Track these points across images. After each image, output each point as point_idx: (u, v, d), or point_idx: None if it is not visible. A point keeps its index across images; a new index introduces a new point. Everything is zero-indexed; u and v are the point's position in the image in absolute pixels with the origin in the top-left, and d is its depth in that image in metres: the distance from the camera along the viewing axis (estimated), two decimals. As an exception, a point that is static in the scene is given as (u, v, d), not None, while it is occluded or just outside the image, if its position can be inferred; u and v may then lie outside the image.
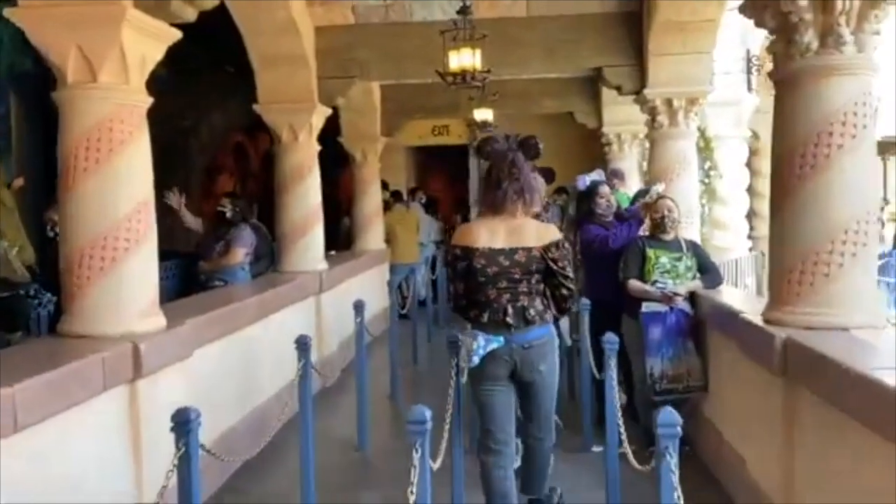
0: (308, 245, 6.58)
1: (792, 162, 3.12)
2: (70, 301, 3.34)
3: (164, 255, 7.40)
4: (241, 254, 6.13)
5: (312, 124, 6.56)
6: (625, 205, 6.20)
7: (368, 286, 8.56)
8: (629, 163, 9.54)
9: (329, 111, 6.82)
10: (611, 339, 3.78)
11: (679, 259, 4.57)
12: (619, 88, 6.61)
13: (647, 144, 10.20)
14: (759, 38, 10.33)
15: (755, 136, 11.33)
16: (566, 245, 3.35)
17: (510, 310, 3.17)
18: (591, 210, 5.02)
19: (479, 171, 11.53)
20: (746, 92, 10.12)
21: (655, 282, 4.49)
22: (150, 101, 3.59)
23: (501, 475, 3.26)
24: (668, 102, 6.27)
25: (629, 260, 4.58)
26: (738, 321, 3.66)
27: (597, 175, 5.19)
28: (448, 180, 13.53)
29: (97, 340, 3.18)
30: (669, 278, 4.50)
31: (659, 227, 4.63)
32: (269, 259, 6.84)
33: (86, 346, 3.07)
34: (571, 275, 3.28)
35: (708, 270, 4.65)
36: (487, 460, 3.27)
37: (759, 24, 3.38)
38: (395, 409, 5.98)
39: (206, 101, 11.49)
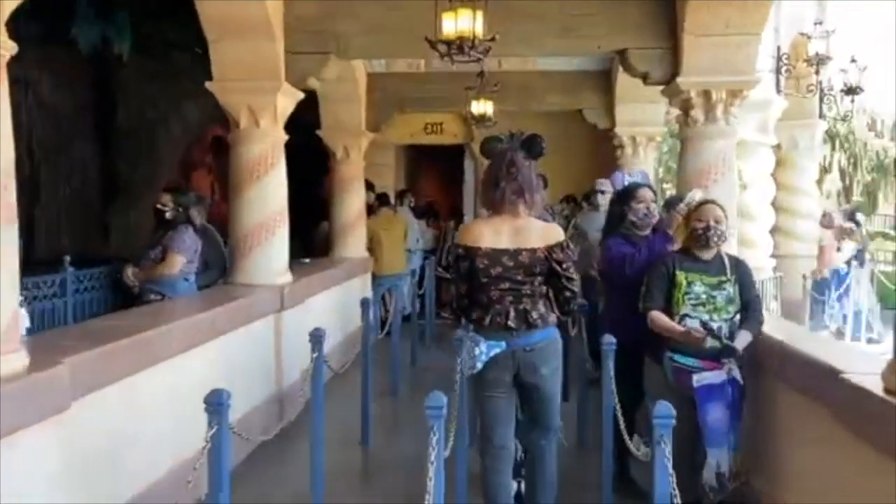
0: (268, 253, 5.47)
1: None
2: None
3: (87, 261, 6.39)
4: (179, 261, 5.04)
5: (278, 108, 5.46)
6: None
7: (346, 301, 7.46)
8: (644, 169, 8.46)
9: (299, 94, 5.72)
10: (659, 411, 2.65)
11: (719, 287, 3.41)
12: (645, 77, 5.53)
13: (665, 149, 9.22)
14: (791, 33, 9.32)
15: (776, 145, 10.32)
16: (570, 245, 3.32)
17: (512, 312, 3.13)
18: (622, 218, 3.92)
19: (475, 175, 10.45)
20: (776, 94, 9.07)
21: (685, 317, 3.37)
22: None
23: (498, 480, 3.28)
24: (706, 94, 5.19)
25: (652, 284, 3.48)
26: (839, 385, 2.59)
27: (640, 175, 4.12)
28: (441, 184, 12.42)
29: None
30: (704, 312, 3.37)
31: (698, 240, 3.45)
32: (220, 268, 5.74)
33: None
34: (575, 277, 3.26)
35: (749, 305, 3.47)
36: (486, 463, 3.29)
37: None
38: (364, 457, 4.89)
39: (178, 88, 10.40)
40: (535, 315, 3.14)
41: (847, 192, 18.42)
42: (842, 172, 18.54)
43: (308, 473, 3.87)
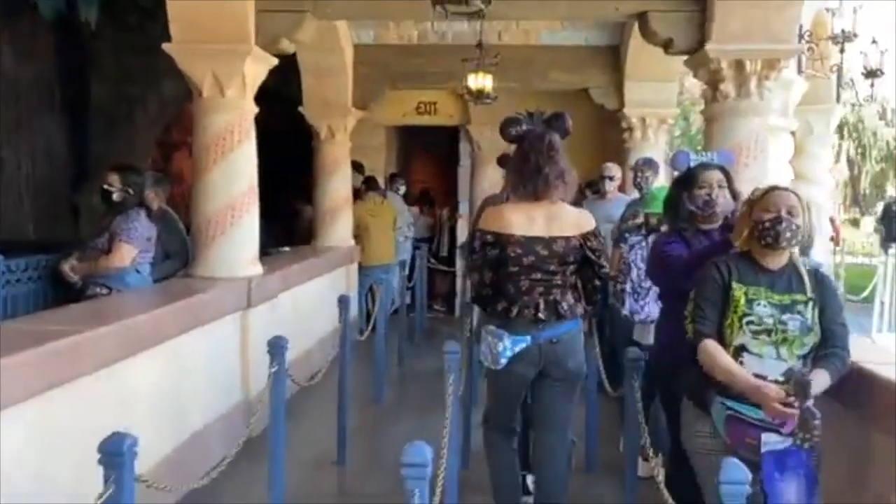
0: (234, 241, 4.78)
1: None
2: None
3: (53, 247, 5.65)
4: (129, 252, 4.33)
5: (247, 75, 4.76)
6: (657, 206, 4.49)
7: (328, 295, 6.77)
8: (654, 154, 7.74)
9: (272, 60, 5.02)
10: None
11: (792, 308, 2.42)
12: (667, 44, 4.85)
13: (677, 132, 8.55)
14: (812, 9, 8.62)
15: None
16: (601, 233, 3.20)
17: (542, 304, 2.99)
18: (679, 208, 3.01)
19: (471, 159, 9.74)
20: (797, 74, 8.39)
21: (741, 351, 2.41)
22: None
23: (509, 458, 3.23)
24: (738, 65, 4.53)
25: (702, 298, 2.48)
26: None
27: (716, 156, 3.09)
28: (435, 168, 11.71)
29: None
30: (768, 344, 2.39)
31: (764, 239, 2.44)
32: (182, 258, 5.05)
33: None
34: (606, 265, 3.15)
35: (831, 336, 2.44)
36: (493, 437, 3.21)
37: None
38: (338, 479, 4.23)
39: (155, 63, 9.67)
40: (565, 306, 3.01)
41: (854, 182, 17.79)
42: (850, 162, 17.91)
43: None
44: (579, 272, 3.07)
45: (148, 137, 10.49)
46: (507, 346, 2.97)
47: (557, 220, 3.00)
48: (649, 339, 4.00)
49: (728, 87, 4.58)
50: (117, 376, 3.22)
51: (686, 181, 3.01)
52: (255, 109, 4.95)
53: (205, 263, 4.75)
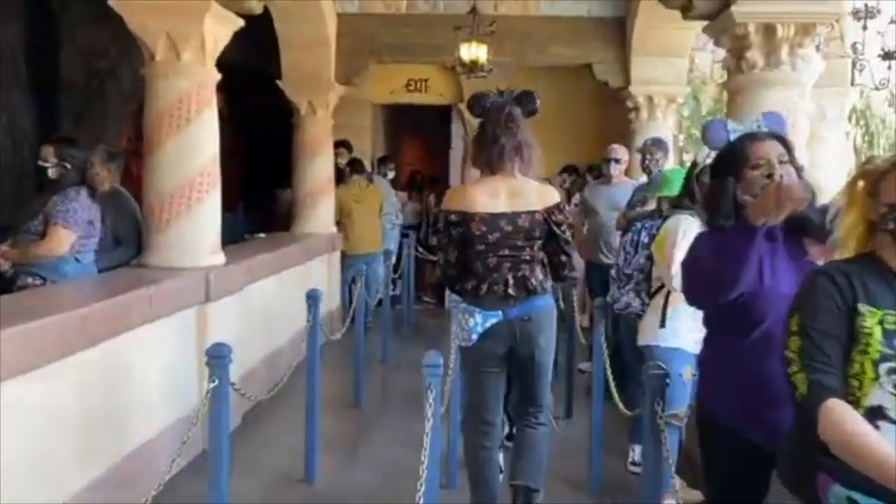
0: (191, 226, 4.20)
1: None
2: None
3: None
4: (66, 237, 3.75)
5: (206, 37, 4.17)
6: (671, 188, 3.94)
7: (306, 286, 6.21)
8: (661, 135, 7.19)
9: (237, 21, 4.43)
10: None
11: None
12: (686, 7, 4.27)
13: (686, 112, 7.98)
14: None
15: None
16: (566, 206, 3.34)
17: (511, 280, 2.97)
18: (720, 201, 1.97)
19: (464, 141, 9.14)
20: (815, 51, 7.79)
21: (879, 416, 1.49)
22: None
23: (486, 456, 3.11)
24: (768, 30, 3.95)
25: (816, 333, 1.53)
26: None
27: (764, 120, 2.08)
28: (425, 150, 11.12)
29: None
30: None
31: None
32: (135, 245, 4.46)
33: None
34: (570, 239, 3.10)
35: None
36: (474, 440, 3.12)
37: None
38: (310, 500, 3.67)
39: (129, 34, 9.05)
40: (534, 281, 2.99)
41: (861, 171, 17.22)
42: (856, 150, 17.34)
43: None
44: (545, 247, 3.03)
45: (122, 112, 9.87)
46: (479, 322, 2.97)
47: (520, 195, 2.97)
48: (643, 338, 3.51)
49: (755, 55, 4.00)
50: (44, 383, 2.67)
51: (730, 162, 2.02)
52: (217, 76, 4.37)
53: (156, 251, 4.17)
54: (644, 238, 3.93)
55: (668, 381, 2.42)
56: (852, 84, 10.10)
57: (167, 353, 3.77)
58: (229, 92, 10.15)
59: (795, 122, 4.04)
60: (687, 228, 3.18)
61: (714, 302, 1.97)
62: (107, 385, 3.25)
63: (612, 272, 4.11)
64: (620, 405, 3.23)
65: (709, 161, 2.94)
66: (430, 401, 2.22)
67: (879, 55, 9.30)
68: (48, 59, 9.36)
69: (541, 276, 3.03)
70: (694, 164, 3.10)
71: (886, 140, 17.98)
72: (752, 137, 2.03)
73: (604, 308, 3.94)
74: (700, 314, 2.12)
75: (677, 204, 3.35)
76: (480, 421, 3.10)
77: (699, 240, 2.03)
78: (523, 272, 2.98)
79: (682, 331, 3.24)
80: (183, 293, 3.93)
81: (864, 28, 7.57)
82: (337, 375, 5.27)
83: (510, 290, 2.96)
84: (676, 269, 3.07)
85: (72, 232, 3.76)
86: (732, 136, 2.04)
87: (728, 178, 1.96)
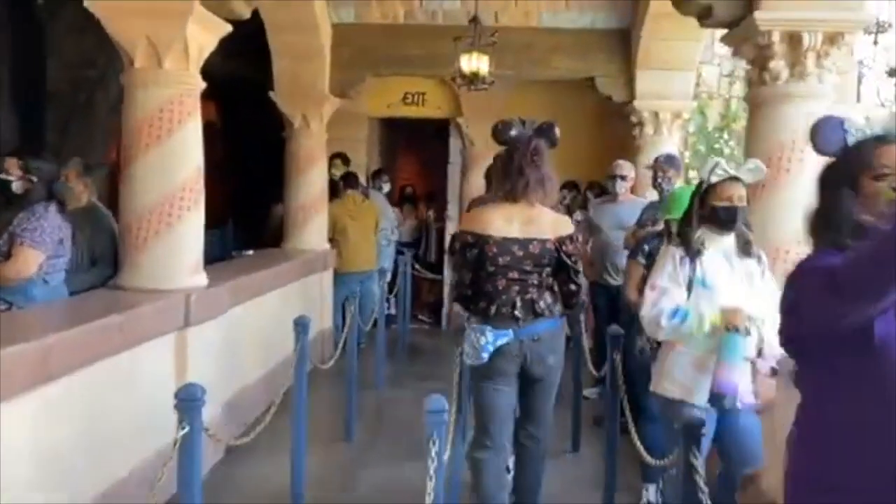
0: (171, 244, 3.89)
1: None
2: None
3: None
4: (34, 258, 3.46)
5: (189, 41, 3.88)
6: (681, 209, 3.66)
7: (296, 306, 5.90)
8: (667, 151, 6.93)
9: (224, 26, 4.14)
10: None
11: None
12: (704, 14, 4.00)
13: (692, 129, 7.72)
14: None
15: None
16: (579, 238, 3.37)
17: (518, 302, 3.07)
18: (833, 209, 1.57)
19: (462, 156, 8.86)
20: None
21: None
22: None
23: (496, 474, 3.18)
24: (793, 38, 3.68)
25: None
26: None
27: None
28: (422, 165, 10.84)
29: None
30: None
31: None
32: (110, 264, 4.16)
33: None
34: (581, 269, 3.24)
35: None
36: (483, 457, 3.15)
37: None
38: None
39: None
40: (541, 304, 3.09)
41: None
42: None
43: None
44: (556, 275, 3.14)
45: (110, 124, 9.58)
46: (490, 340, 3.02)
47: (534, 222, 3.09)
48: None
49: (779, 65, 3.72)
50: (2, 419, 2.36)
51: (846, 169, 1.61)
52: (202, 85, 4.08)
53: (133, 272, 3.86)
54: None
55: (703, 431, 2.11)
56: (857, 100, 9.89)
57: (141, 384, 3.45)
58: (224, 103, 9.91)
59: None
60: (665, 258, 2.90)
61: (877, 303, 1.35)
62: (72, 422, 2.94)
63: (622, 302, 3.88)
64: (641, 450, 2.90)
65: (714, 179, 2.76)
66: (433, 454, 1.92)
67: (886, 72, 9.11)
68: (34, 68, 9.09)
69: (549, 301, 3.12)
70: (700, 183, 2.87)
71: (888, 158, 17.84)
72: (881, 140, 1.59)
73: (616, 338, 3.64)
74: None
75: (679, 231, 2.97)
76: (488, 439, 3.13)
77: (815, 263, 1.52)
78: (531, 295, 3.07)
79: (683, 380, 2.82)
80: (160, 318, 3.62)
81: (875, 43, 7.36)
82: (327, 405, 4.96)
83: (517, 312, 3.04)
84: (647, 312, 2.81)
85: (40, 252, 3.47)
86: (851, 138, 1.63)
87: (843, 189, 1.57)
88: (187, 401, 2.20)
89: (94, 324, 3.11)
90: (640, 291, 3.84)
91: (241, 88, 8.39)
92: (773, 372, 2.65)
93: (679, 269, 2.78)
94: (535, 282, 3.08)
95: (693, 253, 2.77)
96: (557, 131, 3.21)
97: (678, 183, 5.04)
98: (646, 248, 3.92)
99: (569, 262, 3.11)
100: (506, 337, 3.04)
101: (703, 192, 2.80)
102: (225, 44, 4.26)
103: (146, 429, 3.46)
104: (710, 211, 2.77)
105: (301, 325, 3.56)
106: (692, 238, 2.77)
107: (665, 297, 2.75)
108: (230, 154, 10.17)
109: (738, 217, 2.76)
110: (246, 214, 8.98)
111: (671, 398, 2.77)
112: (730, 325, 2.61)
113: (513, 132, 3.17)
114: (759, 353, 2.68)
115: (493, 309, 3.06)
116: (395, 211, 8.60)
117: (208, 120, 5.81)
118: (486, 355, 3.03)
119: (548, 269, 3.11)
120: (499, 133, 3.20)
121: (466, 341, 3.10)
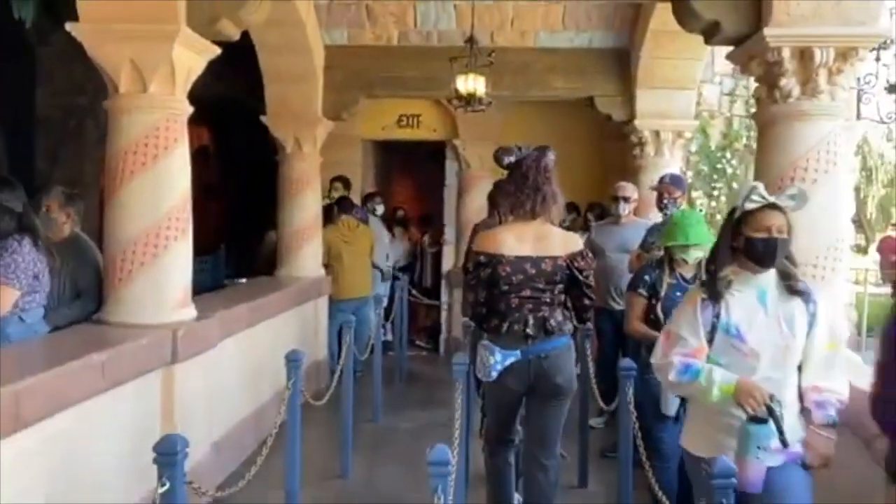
0: (157, 278, 3.70)
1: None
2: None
3: None
4: (8, 295, 3.28)
5: (176, 65, 3.72)
6: (684, 236, 3.53)
7: (292, 335, 5.70)
8: (671, 172, 6.77)
9: (212, 48, 3.98)
10: None
11: None
12: (711, 31, 3.85)
13: (694, 148, 7.57)
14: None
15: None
16: (590, 254, 3.37)
17: (531, 320, 3.14)
18: None
19: (458, 178, 8.71)
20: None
21: None
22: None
23: (508, 464, 3.39)
24: (804, 55, 3.54)
25: None
26: None
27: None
28: (417, 187, 10.69)
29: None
30: None
31: None
32: (94, 297, 3.96)
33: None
34: (593, 284, 3.28)
35: None
36: (497, 449, 3.36)
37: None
38: None
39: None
40: (553, 322, 3.15)
41: (860, 206, 16.92)
42: (856, 189, 17.07)
43: None
44: (568, 292, 3.21)
45: (100, 152, 9.42)
46: (498, 360, 3.12)
47: (545, 240, 3.16)
48: (669, 409, 3.34)
49: (790, 82, 3.58)
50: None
51: None
52: (190, 109, 3.92)
53: (117, 306, 3.67)
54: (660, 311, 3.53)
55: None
56: (858, 117, 9.78)
57: (124, 428, 3.25)
58: (215, 126, 9.76)
59: (837, 161, 3.61)
60: (687, 300, 2.53)
61: None
62: (49, 474, 2.73)
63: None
64: (659, 494, 2.70)
65: (749, 207, 2.39)
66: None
67: (885, 88, 9.00)
68: (24, 95, 8.94)
69: (560, 318, 3.19)
70: (733, 211, 2.49)
71: (885, 175, 17.77)
72: None
73: (629, 372, 3.45)
74: None
75: (707, 268, 2.61)
76: (506, 437, 3.37)
77: None
78: (543, 313, 3.14)
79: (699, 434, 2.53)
80: (145, 355, 3.42)
81: (878, 59, 7.24)
82: (322, 439, 4.75)
83: (529, 330, 3.11)
84: (657, 361, 2.48)
85: (14, 289, 3.28)
86: None
87: None
88: (166, 455, 2.00)
89: (72, 364, 2.91)
90: (645, 321, 3.66)
91: (232, 111, 8.24)
92: (832, 424, 2.30)
93: (700, 314, 2.38)
94: (548, 300, 3.16)
95: (716, 294, 2.39)
96: (552, 154, 3.28)
97: (683, 205, 4.89)
98: (647, 279, 3.73)
99: (581, 277, 3.18)
100: (513, 357, 3.12)
101: (737, 222, 2.43)
102: (214, 66, 4.11)
103: (130, 476, 3.25)
104: (745, 243, 2.38)
105: (293, 361, 3.36)
106: (717, 276, 2.41)
107: (679, 346, 2.39)
108: (222, 178, 10.00)
109: (779, 251, 2.36)
110: (239, 240, 8.80)
111: (698, 456, 2.41)
112: (745, 407, 2.23)
113: (513, 158, 3.27)
114: (785, 445, 2.23)
115: (504, 326, 3.14)
116: (389, 234, 8.41)
117: (200, 144, 5.57)
118: (494, 374, 3.14)
119: (560, 287, 3.18)
120: (502, 157, 3.29)
121: (478, 359, 3.22)
